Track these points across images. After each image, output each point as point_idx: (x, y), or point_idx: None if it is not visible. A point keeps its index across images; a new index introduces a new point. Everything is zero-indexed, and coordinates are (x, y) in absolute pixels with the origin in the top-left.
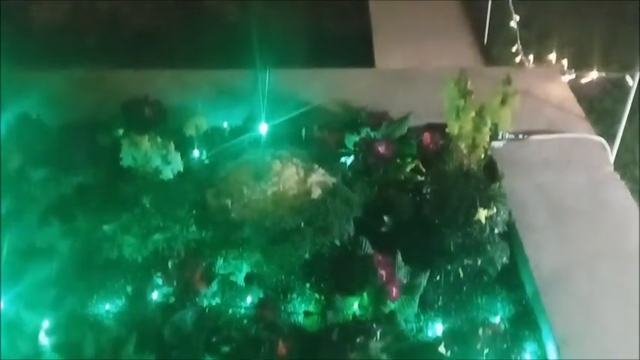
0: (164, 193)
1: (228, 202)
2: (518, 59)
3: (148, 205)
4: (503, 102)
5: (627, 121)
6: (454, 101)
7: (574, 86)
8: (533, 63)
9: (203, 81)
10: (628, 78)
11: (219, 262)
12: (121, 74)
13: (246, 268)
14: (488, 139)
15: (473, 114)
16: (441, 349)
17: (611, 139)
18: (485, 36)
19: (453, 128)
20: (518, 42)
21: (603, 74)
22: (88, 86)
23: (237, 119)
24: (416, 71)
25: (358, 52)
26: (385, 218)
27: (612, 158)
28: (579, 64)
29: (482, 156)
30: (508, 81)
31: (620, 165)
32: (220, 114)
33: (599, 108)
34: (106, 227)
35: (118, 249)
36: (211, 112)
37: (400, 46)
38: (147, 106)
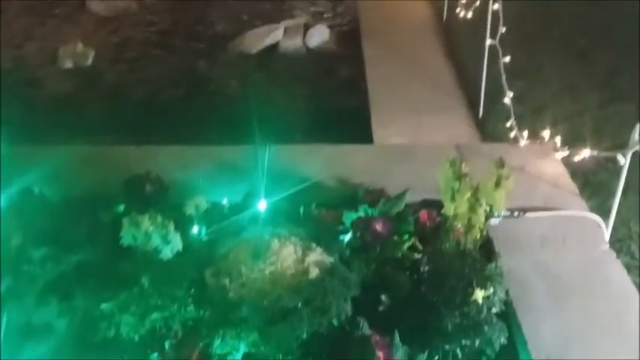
0: (163, 272)
1: (227, 281)
2: (512, 134)
3: (146, 285)
4: (498, 184)
5: (622, 195)
6: (449, 183)
7: (568, 159)
8: (527, 139)
9: (203, 157)
10: (620, 157)
11: (217, 341)
12: (122, 150)
13: (243, 348)
14: (483, 219)
15: (468, 195)
16: None
17: (606, 213)
18: (480, 111)
19: (449, 209)
20: (512, 118)
21: (595, 153)
22: (90, 161)
23: (236, 195)
24: (413, 147)
25: (357, 126)
26: (383, 297)
27: (608, 234)
28: (572, 141)
29: (479, 236)
30: (501, 163)
31: (616, 239)
32: (220, 190)
33: (594, 181)
34: (103, 306)
35: (116, 328)
36: (211, 188)
37: (398, 121)
38: (148, 183)
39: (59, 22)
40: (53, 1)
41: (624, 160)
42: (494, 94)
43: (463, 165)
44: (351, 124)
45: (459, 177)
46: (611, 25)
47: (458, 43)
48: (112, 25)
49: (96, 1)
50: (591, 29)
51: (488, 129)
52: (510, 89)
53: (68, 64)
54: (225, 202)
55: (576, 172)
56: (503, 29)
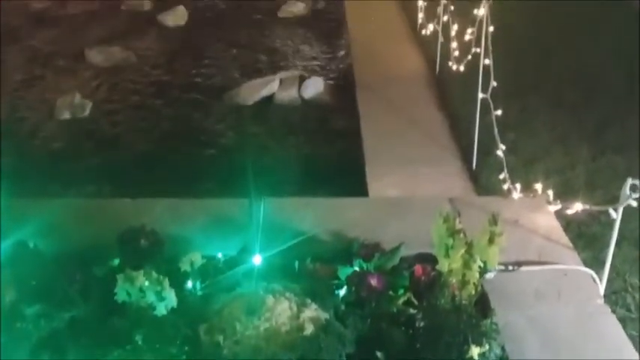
0: (157, 328)
1: (221, 338)
2: (505, 186)
3: (140, 342)
4: (491, 240)
5: (616, 247)
6: (443, 239)
7: (562, 211)
8: (520, 192)
9: (199, 210)
10: (612, 211)
11: None
12: (117, 203)
13: None
14: (478, 275)
15: (462, 252)
16: None
17: (600, 265)
18: (474, 162)
19: (443, 265)
20: (505, 170)
21: (588, 207)
22: (85, 214)
23: (231, 250)
24: (407, 200)
25: (352, 179)
26: (378, 354)
27: (603, 287)
28: (565, 194)
29: (473, 292)
30: (494, 220)
31: (612, 292)
32: (215, 244)
33: (588, 233)
34: None
35: None
36: (206, 242)
37: (392, 173)
38: (143, 237)
39: (58, 73)
40: (53, 52)
41: (616, 215)
42: (487, 145)
43: (457, 221)
44: (346, 176)
45: (453, 233)
46: (600, 77)
47: (451, 95)
48: (110, 76)
49: (95, 51)
50: (581, 81)
51: (482, 181)
52: (503, 141)
53: (65, 115)
54: (220, 256)
55: (570, 223)
56: (494, 83)
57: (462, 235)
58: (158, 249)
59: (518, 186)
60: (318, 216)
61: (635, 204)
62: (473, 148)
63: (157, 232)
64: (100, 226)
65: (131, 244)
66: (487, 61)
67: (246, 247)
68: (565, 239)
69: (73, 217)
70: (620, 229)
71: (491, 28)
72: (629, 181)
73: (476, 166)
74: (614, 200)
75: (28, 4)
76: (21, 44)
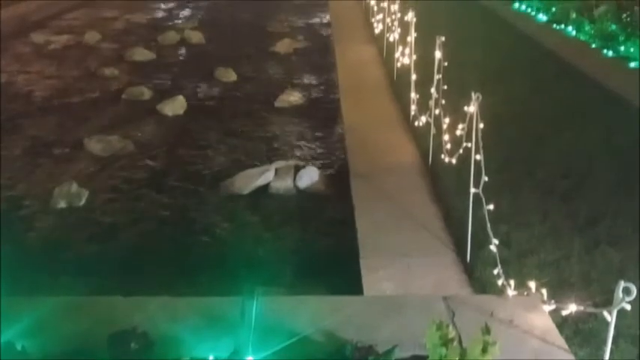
0: None
1: None
2: (500, 282)
3: None
4: (485, 350)
5: (613, 344)
6: (436, 348)
7: (557, 311)
8: (515, 288)
9: (191, 309)
10: (606, 314)
11: None
12: (109, 301)
13: None
14: None
15: None
16: None
17: None
18: (468, 255)
19: None
20: (499, 266)
21: (582, 308)
22: (77, 313)
23: (223, 352)
24: (402, 299)
25: (346, 271)
26: None
27: None
28: (560, 288)
29: None
30: (487, 330)
31: None
32: (207, 345)
33: (584, 329)
34: None
35: None
36: (198, 343)
37: (387, 265)
38: (133, 340)
39: (57, 162)
40: (53, 140)
41: (610, 317)
42: (481, 238)
43: (449, 328)
44: (341, 268)
45: (446, 342)
46: (591, 168)
47: (444, 186)
48: (107, 165)
49: (94, 140)
50: (572, 171)
51: (476, 274)
52: (496, 234)
53: (62, 205)
54: (211, 358)
55: (566, 319)
56: (485, 178)
57: (455, 343)
58: (148, 352)
59: (512, 282)
60: (313, 315)
61: (628, 307)
62: (467, 240)
63: (147, 335)
64: (91, 325)
65: (121, 347)
66: (478, 157)
67: (238, 349)
68: (561, 341)
69: (63, 315)
70: (616, 326)
71: (481, 125)
72: (622, 284)
73: (470, 258)
74: (609, 294)
75: (31, 92)
76: (21, 132)
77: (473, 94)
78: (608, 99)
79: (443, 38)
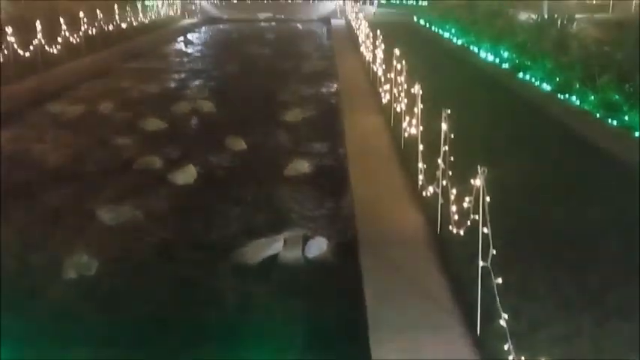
0: None
1: None
2: (511, 358)
3: None
4: None
5: None
6: None
7: None
8: None
9: None
10: None
11: None
12: None
13: None
14: None
15: None
16: None
17: None
18: (478, 329)
19: None
20: (509, 341)
21: None
22: None
23: None
24: None
25: (355, 344)
26: None
27: None
28: None
29: None
30: None
31: None
32: None
33: None
34: None
35: None
36: None
37: (396, 339)
38: None
39: (68, 232)
40: (65, 209)
41: None
42: (491, 311)
43: None
44: (349, 341)
45: None
46: (600, 238)
47: (452, 257)
48: (118, 235)
49: (105, 210)
50: (581, 242)
51: (487, 349)
52: (505, 307)
53: (72, 275)
54: None
55: None
56: (493, 251)
57: None
58: None
59: (523, 358)
60: None
61: None
62: (476, 313)
63: None
64: None
65: None
66: (485, 230)
67: None
68: None
69: None
70: None
71: (488, 198)
72: None
73: (480, 332)
74: None
75: (45, 161)
76: (34, 201)
77: (479, 167)
78: (614, 168)
79: (449, 111)
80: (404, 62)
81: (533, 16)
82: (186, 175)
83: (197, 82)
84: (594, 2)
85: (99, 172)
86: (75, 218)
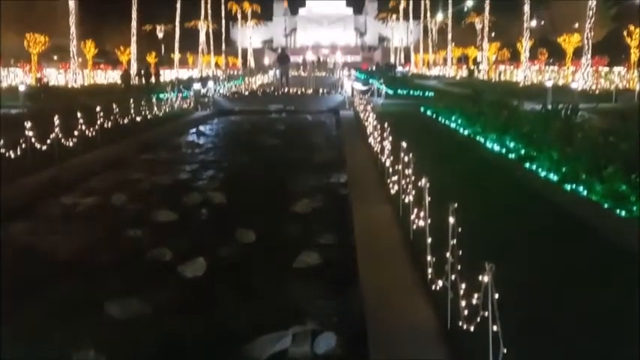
0: None
1: None
2: None
3: None
4: None
5: None
6: None
7: None
8: None
9: None
10: None
11: None
12: None
13: None
14: None
15: None
16: None
17: None
18: None
19: None
20: None
21: None
22: None
23: None
24: None
25: None
26: None
27: None
28: None
29: None
30: None
31: None
32: None
33: None
34: None
35: None
36: None
37: None
38: None
39: (75, 325)
40: (74, 304)
41: None
42: None
43: None
44: None
45: None
46: (615, 332)
47: (462, 355)
48: (126, 330)
49: (113, 303)
50: (596, 337)
51: None
52: None
53: None
54: None
55: None
56: (504, 350)
57: None
58: None
59: None
60: None
61: None
62: None
63: None
64: None
65: None
66: (495, 328)
67: None
68: None
69: None
70: None
71: (496, 295)
72: None
73: None
74: None
75: (55, 254)
76: (42, 294)
77: (486, 264)
78: (629, 261)
79: (455, 205)
80: (411, 155)
81: (537, 107)
82: (196, 267)
83: (208, 173)
84: (597, 92)
85: (109, 265)
86: (83, 312)
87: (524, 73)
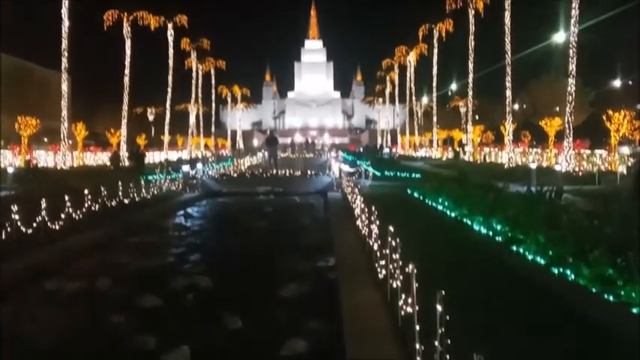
0: None
1: None
2: None
3: None
4: None
5: None
6: None
7: None
8: None
9: None
10: None
11: None
12: None
13: None
14: None
15: None
16: None
17: None
18: None
19: None
20: None
21: None
22: None
23: None
24: None
25: None
26: None
27: None
28: None
29: None
30: None
31: None
32: None
33: None
34: None
35: None
36: None
37: None
38: None
39: None
40: None
41: None
42: None
43: None
44: None
45: None
46: None
47: None
48: None
49: None
50: None
51: None
52: None
53: None
54: None
55: None
56: None
57: None
58: None
59: None
60: None
61: None
62: None
63: None
64: None
65: None
66: None
67: None
68: None
69: None
70: None
71: None
72: None
73: None
74: None
75: (36, 341)
76: None
77: (475, 355)
78: (619, 347)
79: (443, 292)
80: (398, 240)
81: (522, 189)
82: (180, 356)
83: (195, 257)
84: (580, 174)
85: (90, 354)
86: None
87: (509, 155)
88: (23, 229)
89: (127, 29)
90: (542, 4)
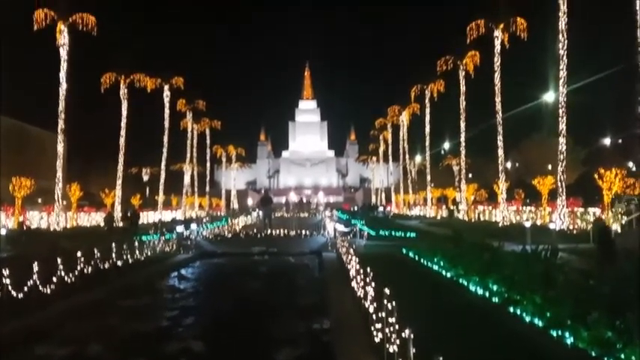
0: None
1: None
2: None
3: None
4: None
5: None
6: None
7: None
8: None
9: None
10: None
11: None
12: None
13: None
14: None
15: None
16: None
17: None
18: None
19: None
20: None
21: None
22: None
23: None
24: None
25: None
26: None
27: None
28: None
29: None
30: None
31: None
32: None
33: None
34: None
35: None
36: None
37: None
38: None
39: None
40: None
41: None
42: None
43: None
44: None
45: None
46: None
47: None
48: None
49: None
50: None
51: None
52: None
53: None
54: None
55: None
56: None
57: None
58: None
59: None
60: None
61: None
62: None
63: None
64: None
65: None
66: None
67: None
68: None
69: None
70: None
71: None
72: None
73: None
74: None
75: None
76: None
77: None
78: None
79: (441, 358)
80: (394, 302)
81: (517, 248)
82: None
83: (188, 320)
84: (574, 232)
85: None
86: None
87: (503, 214)
88: (14, 293)
89: (123, 91)
90: (532, 64)
